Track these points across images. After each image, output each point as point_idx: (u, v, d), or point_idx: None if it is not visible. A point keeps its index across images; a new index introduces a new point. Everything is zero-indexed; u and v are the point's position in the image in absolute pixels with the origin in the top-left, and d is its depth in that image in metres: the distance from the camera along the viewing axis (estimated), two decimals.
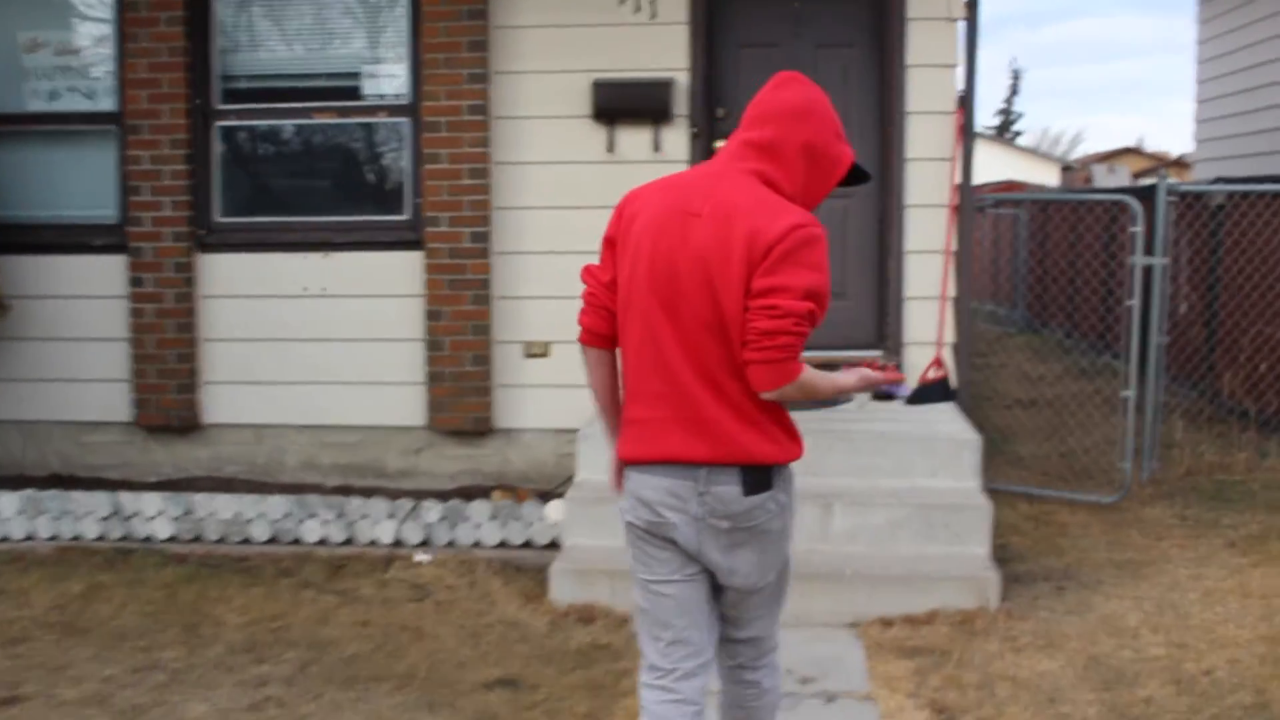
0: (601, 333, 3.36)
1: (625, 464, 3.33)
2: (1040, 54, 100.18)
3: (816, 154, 3.24)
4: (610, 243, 3.34)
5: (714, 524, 3.20)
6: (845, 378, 3.30)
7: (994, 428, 9.65)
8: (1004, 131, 51.32)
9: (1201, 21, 15.17)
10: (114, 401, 8.03)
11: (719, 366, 3.13)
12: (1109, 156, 55.24)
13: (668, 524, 3.23)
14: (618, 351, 3.36)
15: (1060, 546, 6.90)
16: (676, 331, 3.15)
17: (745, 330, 3.07)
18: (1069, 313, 14.87)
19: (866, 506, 6.06)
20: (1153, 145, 62.07)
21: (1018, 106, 59.05)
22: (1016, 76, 61.13)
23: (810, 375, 3.13)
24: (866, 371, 3.36)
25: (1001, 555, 6.33)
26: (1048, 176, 38.09)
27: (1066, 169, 44.04)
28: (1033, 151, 43.36)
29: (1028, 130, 67.27)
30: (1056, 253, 15.44)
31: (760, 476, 3.18)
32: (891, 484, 6.30)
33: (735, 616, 3.43)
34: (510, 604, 6.04)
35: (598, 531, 6.18)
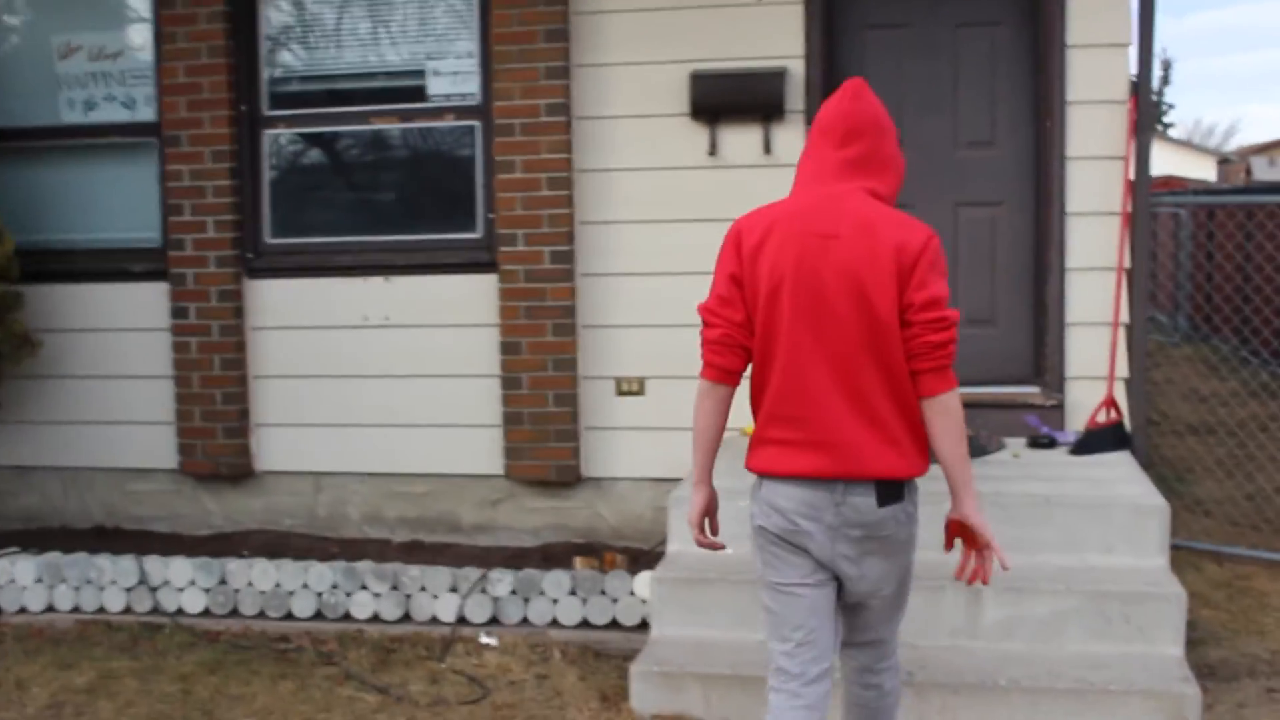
0: (737, 371, 3.46)
1: (759, 475, 3.49)
2: (1188, 43, 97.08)
3: (896, 162, 3.46)
4: (736, 280, 3.39)
5: (847, 533, 3.35)
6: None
7: (1164, 461, 8.38)
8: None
9: None
10: (158, 446, 7.15)
11: (869, 382, 3.29)
12: (1267, 148, 52.75)
13: (802, 532, 3.37)
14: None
15: (1263, 625, 5.66)
16: (825, 353, 3.30)
17: (911, 344, 3.25)
18: (1240, 321, 13.44)
19: (1026, 593, 4.86)
20: None
21: (1169, 98, 56.70)
22: (1167, 66, 58.57)
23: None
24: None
25: (1190, 636, 5.08)
26: (1204, 170, 36.15)
27: (1224, 161, 41.94)
28: (1187, 144, 41.23)
29: (1179, 122, 64.43)
30: (1225, 255, 14.08)
31: (894, 489, 3.33)
32: (1057, 562, 5.09)
33: (860, 622, 3.59)
34: (585, 708, 4.96)
35: (691, 619, 5.09)
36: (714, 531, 3.71)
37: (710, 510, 3.68)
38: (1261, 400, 9.99)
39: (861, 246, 3.24)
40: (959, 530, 3.43)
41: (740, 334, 3.40)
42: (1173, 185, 19.54)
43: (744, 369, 3.45)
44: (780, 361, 3.34)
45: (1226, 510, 7.36)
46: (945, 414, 3.29)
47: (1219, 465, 8.22)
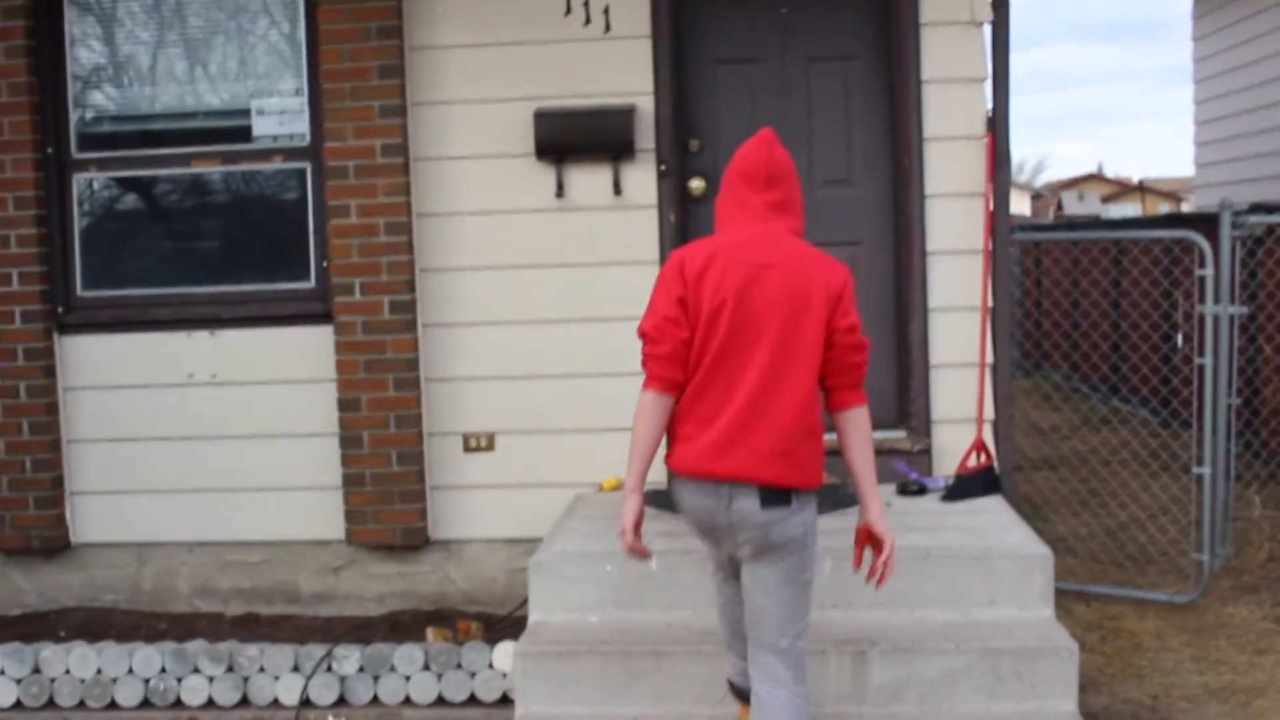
0: (681, 383, 3.79)
1: (673, 473, 3.87)
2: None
3: (801, 203, 3.96)
4: (682, 302, 3.76)
5: (738, 534, 3.77)
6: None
7: (1020, 497, 8.29)
8: None
9: (1196, 39, 14.40)
10: None
11: (785, 395, 3.70)
12: (1073, 183, 54.65)
13: (704, 528, 3.87)
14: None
15: (1139, 668, 5.57)
16: (753, 366, 3.70)
17: (833, 364, 3.75)
18: (1070, 352, 13.65)
19: (914, 653, 4.61)
20: (1112, 170, 61.55)
21: None
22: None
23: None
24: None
25: None
26: (1019, 205, 37.11)
27: (1036, 196, 43.23)
28: None
29: None
30: (1056, 288, 14.32)
31: (777, 495, 3.71)
32: (940, 617, 4.86)
33: (752, 620, 3.89)
34: None
35: (559, 695, 4.72)
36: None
37: (641, 519, 3.86)
38: (1102, 432, 10.05)
39: (795, 278, 3.72)
40: (867, 538, 3.91)
41: (685, 350, 3.76)
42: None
43: (684, 382, 3.78)
44: (710, 372, 3.74)
45: (1088, 546, 7.29)
46: (859, 426, 3.79)
47: (1073, 497, 8.17)
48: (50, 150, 6.39)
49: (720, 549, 3.95)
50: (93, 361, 6.46)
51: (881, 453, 6.04)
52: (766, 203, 3.84)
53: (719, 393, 3.73)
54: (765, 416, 3.68)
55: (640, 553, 3.87)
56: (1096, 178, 56.92)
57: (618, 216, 6.15)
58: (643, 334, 3.85)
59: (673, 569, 4.96)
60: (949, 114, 6.03)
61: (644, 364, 3.82)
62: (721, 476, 3.72)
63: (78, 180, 6.46)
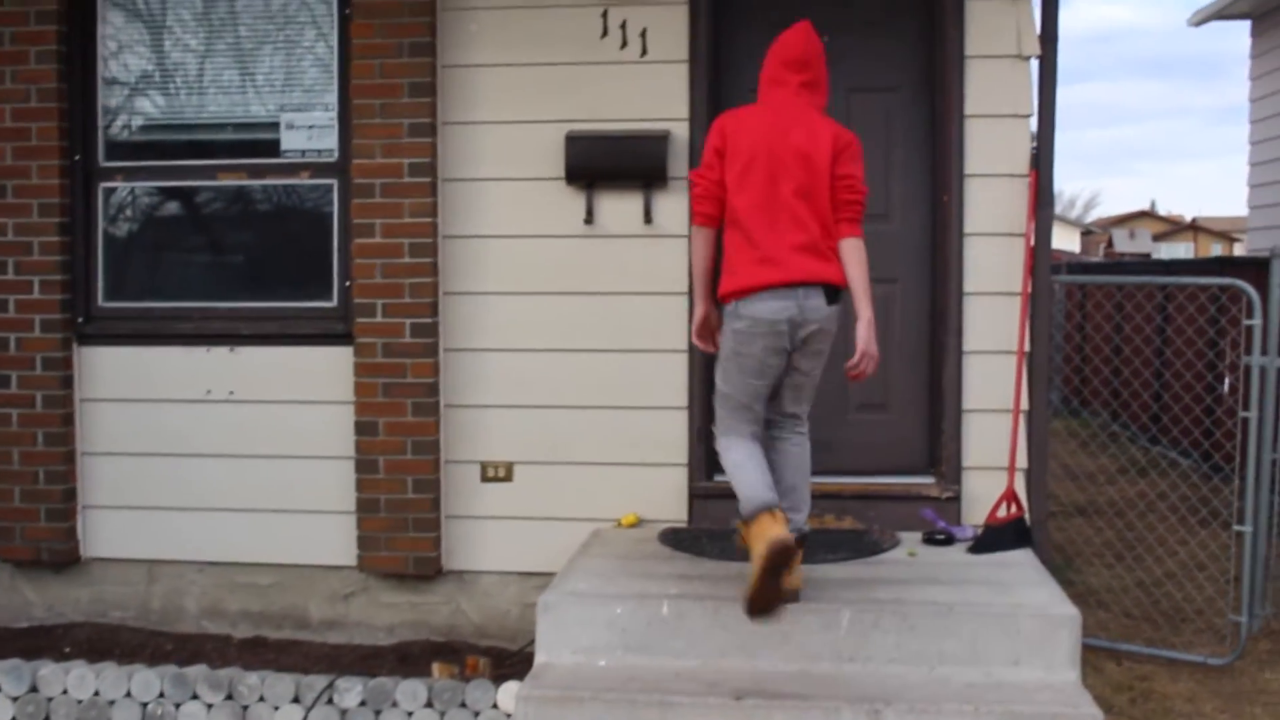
0: (716, 216, 4.78)
1: (739, 293, 4.66)
2: None
3: (826, 84, 4.99)
4: (719, 152, 4.73)
5: (805, 327, 4.66)
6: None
7: (1052, 546, 8.05)
8: None
9: (1253, 79, 14.05)
10: None
11: (808, 219, 4.67)
12: (1124, 220, 54.22)
13: (776, 331, 4.64)
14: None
15: None
16: (781, 199, 4.66)
17: (833, 200, 4.71)
18: (1111, 395, 13.38)
19: (930, 715, 4.40)
20: (1165, 208, 61.02)
21: None
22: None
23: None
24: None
25: None
26: (1069, 241, 36.80)
27: (1086, 233, 42.88)
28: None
29: None
30: (1100, 329, 14.04)
31: (834, 292, 4.71)
32: (962, 676, 4.65)
33: (786, 399, 4.91)
34: None
35: None
36: (715, 343, 4.92)
37: (712, 322, 4.94)
38: (1143, 480, 9.78)
39: (812, 138, 4.70)
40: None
41: (718, 190, 4.74)
42: (1054, 259, 19.70)
43: (720, 216, 4.76)
44: (750, 206, 4.67)
45: (1120, 600, 7.05)
46: (855, 251, 4.73)
47: (1107, 548, 7.93)
48: (77, 158, 6.32)
49: (781, 356, 4.70)
50: (111, 374, 6.37)
51: (909, 499, 5.94)
52: (799, 81, 4.84)
53: (768, 224, 4.65)
54: (807, 238, 4.64)
55: (710, 349, 4.95)
56: (1149, 215, 56.46)
57: (647, 245, 6.00)
58: (690, 181, 5.08)
59: (684, 615, 4.78)
60: (992, 150, 5.85)
61: (692, 201, 4.89)
62: (796, 280, 4.60)
63: (103, 189, 6.39)
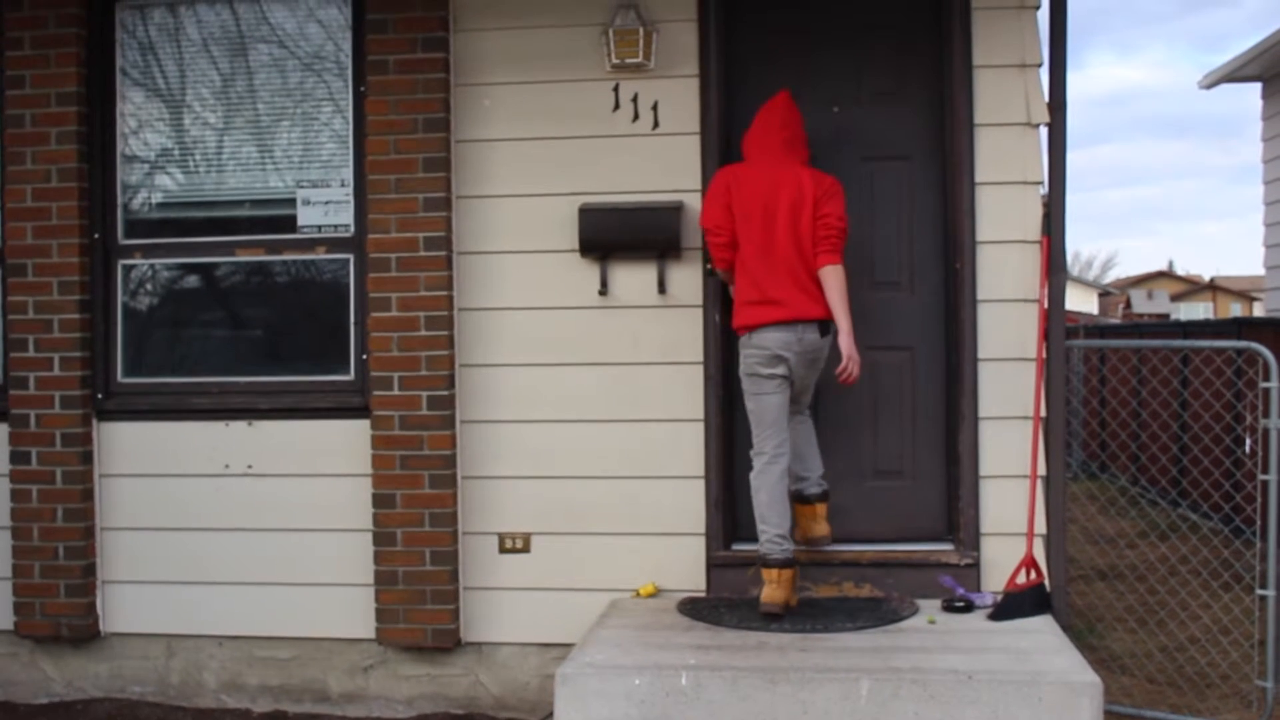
0: (731, 260, 5.69)
1: (750, 327, 5.60)
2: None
3: (805, 139, 5.82)
4: (728, 208, 5.62)
5: (805, 354, 5.60)
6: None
7: (1074, 610, 7.99)
8: None
9: (1265, 139, 14.08)
10: None
11: (798, 265, 5.56)
12: (1142, 280, 54.21)
13: (782, 359, 5.57)
14: None
15: None
16: (777, 247, 5.56)
17: (815, 235, 5.55)
18: (1134, 457, 13.31)
19: None
20: (1183, 268, 60.99)
21: None
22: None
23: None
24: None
25: None
26: (1087, 303, 36.75)
27: (1104, 294, 42.82)
28: (1070, 278, 42.17)
29: None
30: (1118, 391, 14.00)
31: (826, 325, 5.59)
32: None
33: (798, 399, 5.83)
34: None
35: None
36: None
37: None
38: (1165, 543, 9.71)
39: (797, 188, 5.56)
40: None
41: (732, 239, 5.63)
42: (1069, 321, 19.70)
43: (733, 260, 5.66)
44: (754, 253, 5.57)
45: (1144, 666, 6.97)
46: (834, 276, 5.53)
47: (1130, 613, 7.86)
48: (97, 236, 6.39)
49: (789, 369, 5.57)
50: (130, 449, 6.41)
51: (928, 566, 5.92)
52: (781, 140, 5.66)
53: (767, 267, 5.54)
54: (799, 279, 5.53)
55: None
56: (1167, 275, 56.42)
57: (661, 315, 6.04)
58: (706, 229, 5.69)
59: (702, 686, 4.75)
60: (1003, 217, 5.88)
61: (710, 249, 5.74)
62: (796, 319, 5.51)
63: (122, 266, 6.45)
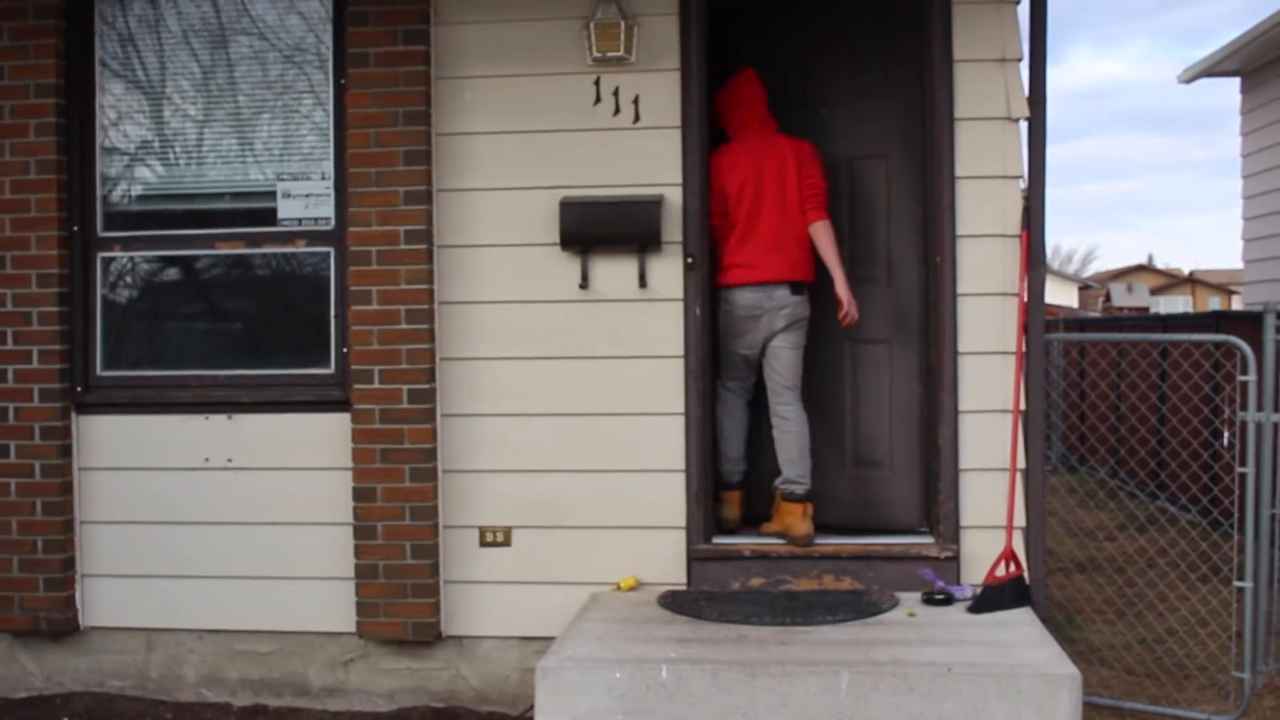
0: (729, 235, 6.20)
1: (728, 286, 6.16)
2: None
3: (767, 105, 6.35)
4: (720, 189, 6.10)
5: (778, 313, 6.10)
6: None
7: (1053, 602, 8.03)
8: None
9: (1244, 134, 14.13)
10: None
11: (784, 230, 6.07)
12: (1122, 274, 54.38)
13: (753, 317, 6.12)
14: None
15: None
16: (764, 215, 6.07)
17: (801, 196, 6.05)
18: (1113, 450, 13.36)
19: None
20: (1162, 261, 61.21)
21: None
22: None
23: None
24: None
25: None
26: (1067, 296, 36.84)
27: (1084, 287, 42.96)
28: (1050, 271, 42.34)
29: None
30: (1097, 385, 14.05)
31: (798, 285, 6.10)
32: None
33: (774, 372, 6.23)
34: None
35: None
36: None
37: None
38: (1143, 535, 9.76)
39: (780, 159, 6.06)
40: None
41: (726, 219, 6.17)
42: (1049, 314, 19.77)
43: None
44: (744, 222, 6.08)
45: (1122, 657, 7.01)
46: (823, 230, 6.01)
47: (1109, 605, 7.90)
48: (76, 228, 6.36)
49: (757, 335, 6.12)
50: (110, 442, 6.39)
51: (908, 559, 5.93)
52: (759, 116, 6.16)
53: (750, 233, 6.05)
54: (782, 242, 6.03)
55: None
56: (1146, 269, 56.58)
57: (642, 309, 6.04)
58: (712, 212, 6.13)
59: (683, 679, 4.76)
60: (983, 211, 5.89)
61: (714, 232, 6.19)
62: (767, 280, 6.02)
63: (101, 259, 6.43)
